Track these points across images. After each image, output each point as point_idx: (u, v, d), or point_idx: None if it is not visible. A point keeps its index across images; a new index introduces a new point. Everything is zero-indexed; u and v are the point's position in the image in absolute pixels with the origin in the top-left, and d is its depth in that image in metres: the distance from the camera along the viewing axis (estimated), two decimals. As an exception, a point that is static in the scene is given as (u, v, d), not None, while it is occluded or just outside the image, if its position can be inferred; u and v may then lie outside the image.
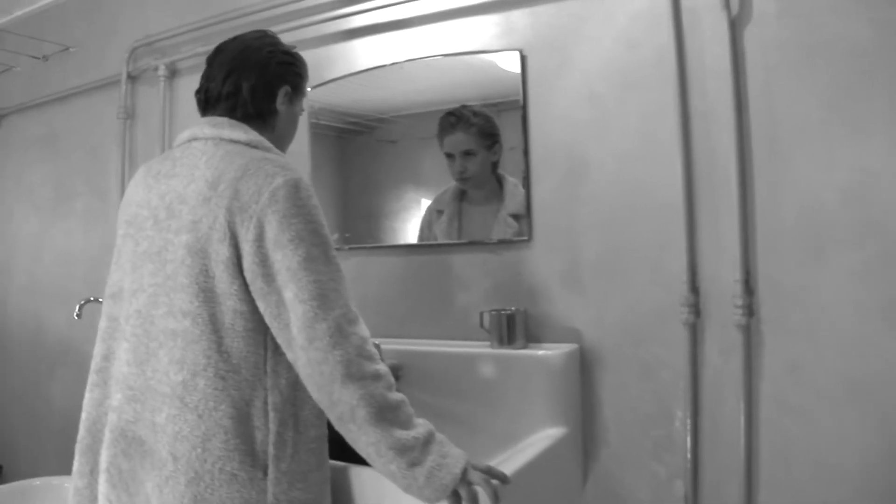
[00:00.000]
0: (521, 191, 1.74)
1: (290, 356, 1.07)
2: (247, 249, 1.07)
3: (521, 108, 1.73)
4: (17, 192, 3.05)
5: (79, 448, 1.21)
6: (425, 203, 1.91)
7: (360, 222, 1.97)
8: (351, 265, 2.00)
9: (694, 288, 1.53)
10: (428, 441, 1.08)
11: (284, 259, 1.05)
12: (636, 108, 1.60)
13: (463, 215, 1.84)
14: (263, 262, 1.06)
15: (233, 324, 1.08)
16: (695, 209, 1.53)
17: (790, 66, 1.45)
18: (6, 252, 3.09)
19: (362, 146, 1.94)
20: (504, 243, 1.76)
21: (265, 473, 1.08)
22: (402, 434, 1.05)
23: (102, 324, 1.23)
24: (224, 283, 1.07)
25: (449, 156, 1.82)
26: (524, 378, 1.59)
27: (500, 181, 1.78)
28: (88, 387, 1.22)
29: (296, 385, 1.11)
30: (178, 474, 1.06)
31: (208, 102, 1.27)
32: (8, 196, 3.12)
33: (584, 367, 1.66)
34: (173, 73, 2.44)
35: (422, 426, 1.10)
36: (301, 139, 1.86)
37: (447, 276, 1.85)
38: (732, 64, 1.48)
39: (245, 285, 1.08)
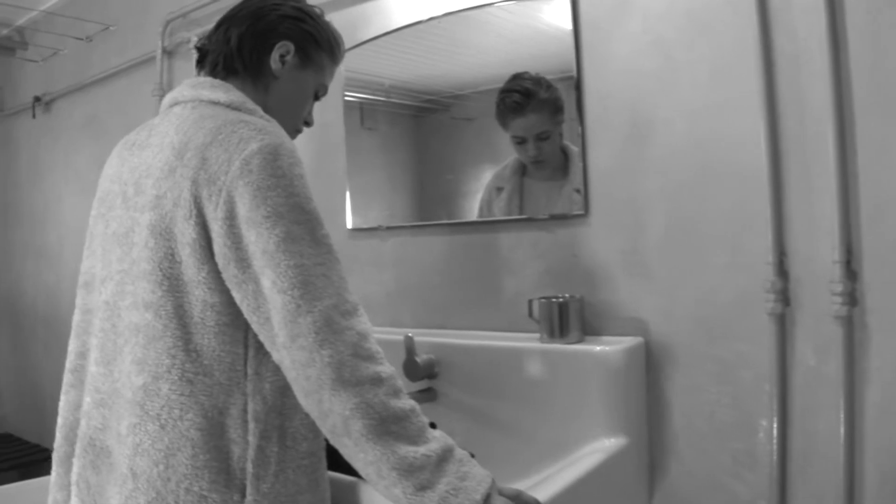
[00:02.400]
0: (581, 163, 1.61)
1: (275, 357, 0.94)
2: (216, 229, 0.94)
3: (573, 59, 1.58)
4: (66, 177, 3.14)
5: (56, 457, 1.13)
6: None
7: (438, 204, 1.89)
8: (387, 247, 1.93)
9: (782, 271, 1.35)
10: (443, 459, 0.92)
11: (259, 240, 0.92)
12: (709, 54, 1.43)
13: (525, 191, 1.72)
14: (236, 244, 0.93)
15: (203, 318, 0.95)
16: (782, 175, 1.36)
17: (903, -8, 1.24)
18: (57, 238, 3.20)
19: (438, 125, 1.87)
20: (557, 219, 1.63)
21: (242, 495, 0.95)
22: (409, 451, 0.90)
23: (76, 317, 1.14)
24: (191, 269, 0.95)
25: (519, 139, 1.69)
26: (578, 377, 1.46)
27: (565, 152, 1.65)
28: (63, 388, 1.14)
29: (283, 391, 0.99)
30: (138, 493, 0.94)
31: (200, 60, 1.18)
32: (57, 181, 3.22)
33: (650, 366, 1.51)
34: (207, 44, 2.38)
35: (436, 441, 0.93)
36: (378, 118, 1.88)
37: (493, 259, 1.74)
38: (828, -7, 1.28)
39: (216, 272, 0.95)
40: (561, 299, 1.52)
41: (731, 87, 1.40)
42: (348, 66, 1.98)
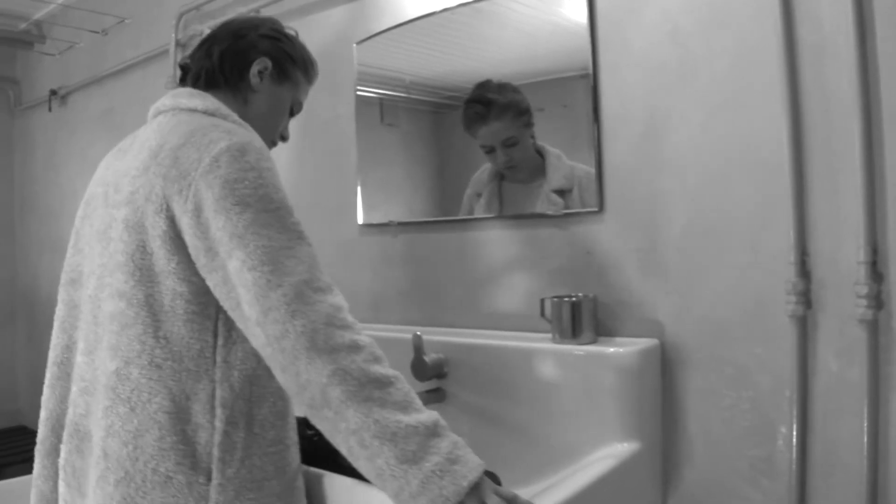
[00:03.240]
0: (567, 163, 1.61)
1: (252, 341, 0.96)
2: (186, 221, 0.98)
3: (589, 50, 1.56)
4: (81, 171, 3.16)
5: (41, 449, 1.18)
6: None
7: (456, 201, 1.87)
8: (397, 244, 1.93)
9: (804, 271, 1.31)
10: (433, 434, 0.89)
11: (228, 225, 0.95)
12: (729, 46, 1.40)
13: (504, 195, 1.73)
14: (204, 233, 0.97)
15: (172, 306, 1.00)
16: (805, 171, 1.32)
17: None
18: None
19: (458, 121, 1.85)
20: (571, 216, 1.60)
21: (208, 478, 0.99)
22: (393, 418, 0.88)
23: (60, 312, 1.20)
24: (162, 260, 1.00)
25: (487, 149, 1.71)
26: (591, 379, 1.43)
27: (541, 154, 1.65)
28: (48, 381, 1.19)
29: (252, 379, 1.03)
30: (109, 473, 1.00)
31: (184, 76, 1.28)
32: (73, 175, 3.25)
33: (665, 369, 1.48)
34: (220, 36, 2.38)
35: (426, 413, 0.92)
36: (399, 115, 1.93)
37: (505, 256, 1.72)
38: (854, -19, 1.24)
39: (184, 263, 1.00)
40: (574, 298, 1.50)
41: (752, 80, 1.37)
42: (362, 60, 1.98)
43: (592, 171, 1.56)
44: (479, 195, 1.76)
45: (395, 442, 0.86)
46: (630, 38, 1.51)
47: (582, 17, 1.56)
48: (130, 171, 1.06)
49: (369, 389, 0.88)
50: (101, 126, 3.04)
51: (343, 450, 0.90)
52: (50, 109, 3.34)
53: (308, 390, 0.89)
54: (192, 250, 0.98)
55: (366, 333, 0.95)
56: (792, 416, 1.32)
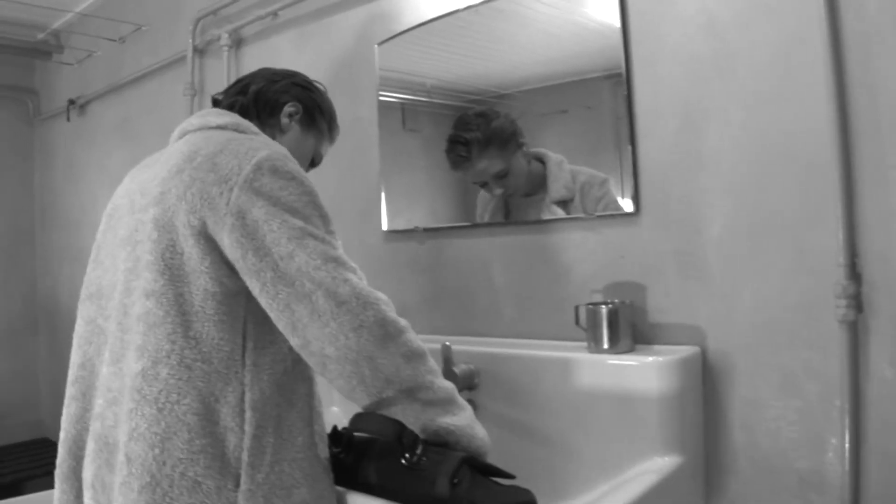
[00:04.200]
0: (567, 169, 1.62)
1: (296, 341, 1.01)
2: (229, 223, 1.00)
3: (620, 46, 1.52)
4: (100, 180, 3.18)
5: (60, 473, 1.16)
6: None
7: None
8: (424, 250, 1.91)
9: (854, 273, 1.26)
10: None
11: (284, 228, 1.00)
12: (769, 36, 1.35)
13: (510, 210, 1.74)
14: (252, 235, 1.00)
15: (203, 306, 1.01)
16: (853, 166, 1.27)
17: None
18: (92, 240, 3.19)
19: None
20: (604, 218, 1.57)
21: (237, 484, 0.99)
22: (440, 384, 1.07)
23: (79, 329, 1.19)
24: (194, 259, 1.02)
25: (480, 184, 1.75)
26: (629, 390, 1.39)
27: (542, 161, 1.65)
28: (66, 401, 1.17)
29: (280, 383, 1.05)
30: (132, 479, 0.98)
31: (215, 106, 1.34)
32: (92, 184, 3.26)
33: (707, 377, 1.44)
34: (238, 42, 2.41)
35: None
36: (421, 120, 1.94)
37: (536, 262, 1.69)
38: (903, -36, 1.20)
39: (217, 262, 1.02)
40: (610, 305, 1.46)
41: (795, 72, 1.33)
42: (383, 64, 1.97)
43: (600, 174, 1.55)
44: (486, 212, 1.78)
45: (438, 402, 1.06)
46: (664, 31, 1.48)
47: (607, 15, 1.54)
48: (160, 174, 1.08)
49: (423, 362, 1.05)
50: (118, 135, 3.05)
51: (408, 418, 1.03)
52: (68, 119, 3.36)
53: (384, 370, 1.00)
54: (235, 251, 1.00)
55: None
56: (843, 426, 1.27)
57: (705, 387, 1.43)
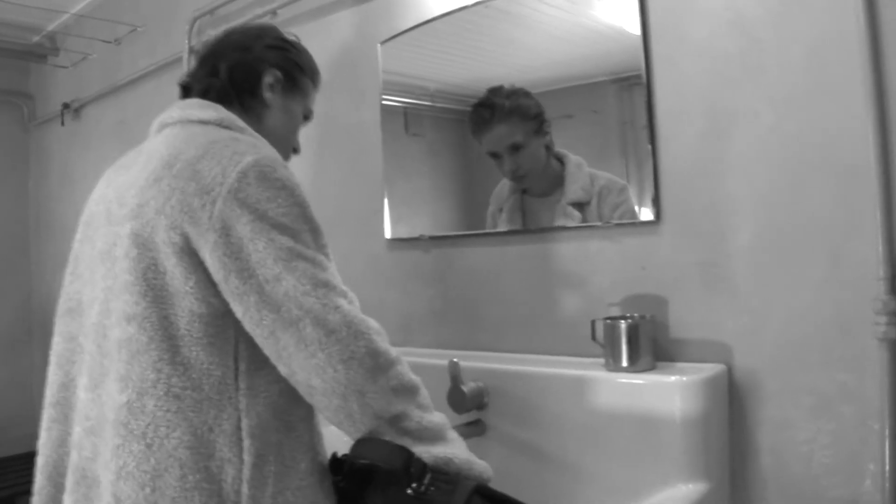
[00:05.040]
0: (586, 171, 1.58)
1: (283, 370, 0.96)
2: (212, 240, 0.95)
3: (630, 46, 1.48)
4: (96, 186, 3.08)
5: (38, 501, 1.09)
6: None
7: (485, 211, 1.86)
8: (429, 259, 1.86)
9: (894, 287, 1.21)
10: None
11: (270, 248, 0.94)
12: (802, 31, 1.31)
13: (525, 209, 1.70)
14: (236, 254, 0.94)
15: (189, 329, 0.96)
16: (893, 172, 1.23)
17: None
18: None
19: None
20: (623, 226, 1.52)
21: None
22: (430, 418, 1.04)
23: (58, 346, 1.13)
24: (177, 279, 0.96)
25: (494, 155, 1.70)
26: (650, 411, 1.34)
27: (561, 160, 1.62)
28: (44, 424, 1.11)
29: (278, 406, 1.00)
30: None
31: (185, 94, 1.25)
32: (88, 190, 3.11)
33: (734, 398, 1.39)
34: (236, 41, 2.32)
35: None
36: (424, 125, 1.92)
37: (550, 273, 1.64)
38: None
39: (203, 282, 0.96)
40: (630, 320, 1.41)
41: (830, 70, 1.28)
42: (386, 67, 1.94)
43: (619, 180, 1.52)
44: (500, 210, 1.73)
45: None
46: (687, 28, 1.43)
47: (617, 17, 1.52)
48: (137, 182, 1.01)
49: (414, 397, 1.02)
50: (115, 139, 3.03)
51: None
52: (63, 123, 3.33)
53: (372, 407, 0.96)
54: (217, 271, 0.94)
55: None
56: (883, 451, 1.22)
57: (731, 408, 1.39)
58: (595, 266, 1.57)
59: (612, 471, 1.37)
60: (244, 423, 0.95)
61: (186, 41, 2.45)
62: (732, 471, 1.39)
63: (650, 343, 1.41)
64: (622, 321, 1.41)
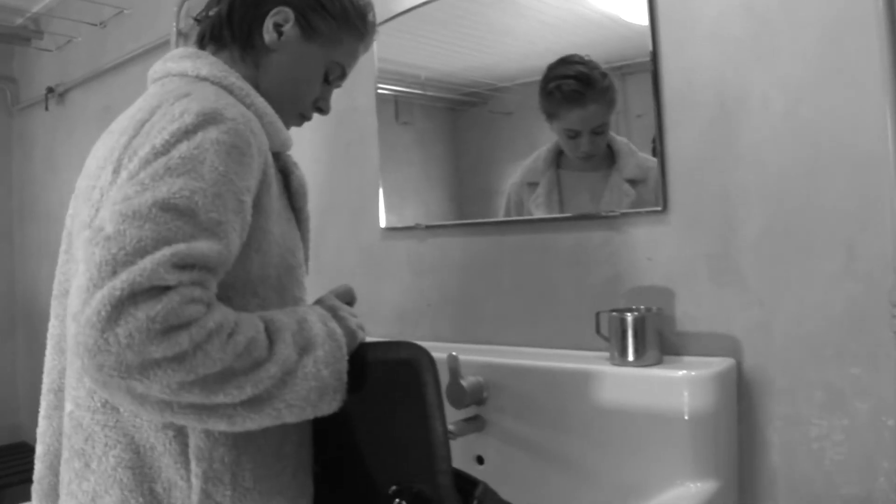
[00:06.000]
0: (638, 153, 1.49)
1: None
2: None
3: (636, 24, 1.46)
4: (80, 170, 3.04)
5: (38, 490, 1.02)
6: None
7: (477, 202, 1.83)
8: (426, 249, 1.83)
9: None
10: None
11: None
12: (817, 14, 1.28)
13: (563, 185, 1.60)
14: None
15: None
16: None
17: None
18: None
19: (475, 119, 1.83)
20: (629, 216, 1.49)
21: None
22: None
23: (54, 329, 1.05)
24: None
25: (573, 133, 1.57)
26: (657, 406, 1.32)
27: (609, 142, 1.57)
28: (43, 412, 1.04)
29: None
30: None
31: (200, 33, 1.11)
32: (73, 177, 3.09)
33: (743, 393, 1.37)
34: (226, 23, 2.28)
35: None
36: (414, 113, 1.87)
37: (553, 263, 1.62)
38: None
39: None
40: (636, 312, 1.39)
41: (845, 55, 1.26)
42: (380, 55, 1.91)
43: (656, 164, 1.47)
44: (531, 185, 1.64)
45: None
46: (696, 10, 1.40)
47: (612, 5, 1.50)
48: (104, 154, 0.95)
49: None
50: (100, 124, 2.91)
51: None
52: (47, 108, 3.29)
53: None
54: None
55: None
56: None
57: (741, 404, 1.37)
58: (599, 256, 1.55)
59: (617, 469, 1.36)
60: (191, 442, 0.86)
61: (174, 24, 2.40)
62: (741, 468, 1.37)
63: (657, 336, 1.39)
64: (628, 314, 1.39)
